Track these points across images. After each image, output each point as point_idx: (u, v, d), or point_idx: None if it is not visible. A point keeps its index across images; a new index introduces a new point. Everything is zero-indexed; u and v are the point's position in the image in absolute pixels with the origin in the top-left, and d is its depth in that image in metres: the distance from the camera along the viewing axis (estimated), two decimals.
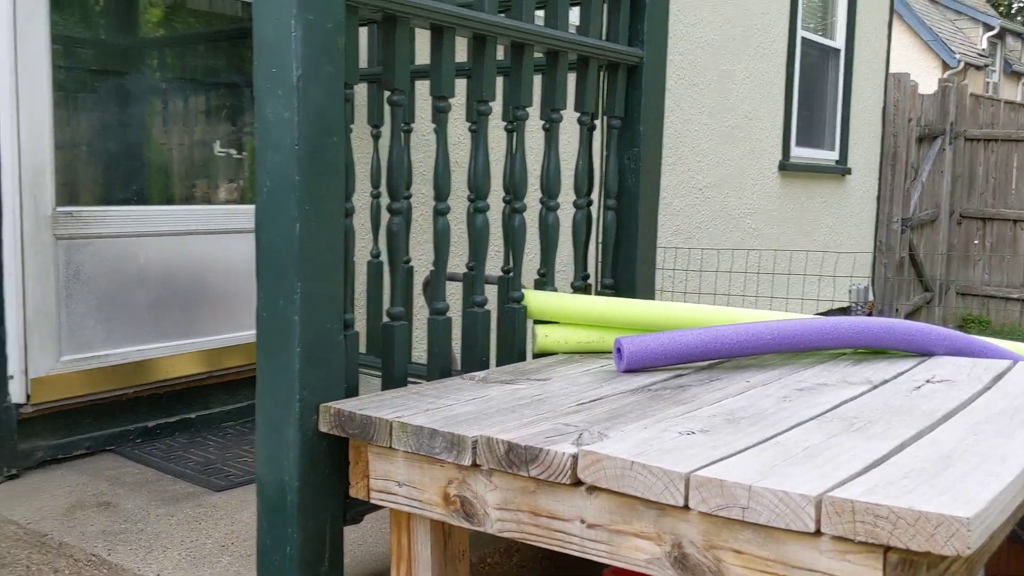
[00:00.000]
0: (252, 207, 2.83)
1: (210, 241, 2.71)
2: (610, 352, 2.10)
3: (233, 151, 2.84)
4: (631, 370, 1.88)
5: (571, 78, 2.19)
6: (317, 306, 1.57)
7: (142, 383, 2.55)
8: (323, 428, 1.57)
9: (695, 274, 5.13)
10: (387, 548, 1.92)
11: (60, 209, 2.36)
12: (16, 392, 2.30)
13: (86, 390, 2.43)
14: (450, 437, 1.42)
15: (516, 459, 1.35)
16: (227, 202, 2.80)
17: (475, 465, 1.42)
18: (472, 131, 1.93)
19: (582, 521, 1.32)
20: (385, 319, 1.79)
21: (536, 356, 2.10)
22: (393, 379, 1.77)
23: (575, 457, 1.30)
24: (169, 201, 2.66)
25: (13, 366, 2.29)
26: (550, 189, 2.11)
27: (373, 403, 1.59)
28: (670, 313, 2.03)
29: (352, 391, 1.66)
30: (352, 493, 1.59)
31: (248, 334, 2.81)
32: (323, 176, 1.55)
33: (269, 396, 1.58)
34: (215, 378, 2.74)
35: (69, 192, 2.41)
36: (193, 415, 2.72)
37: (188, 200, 2.71)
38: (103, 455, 2.50)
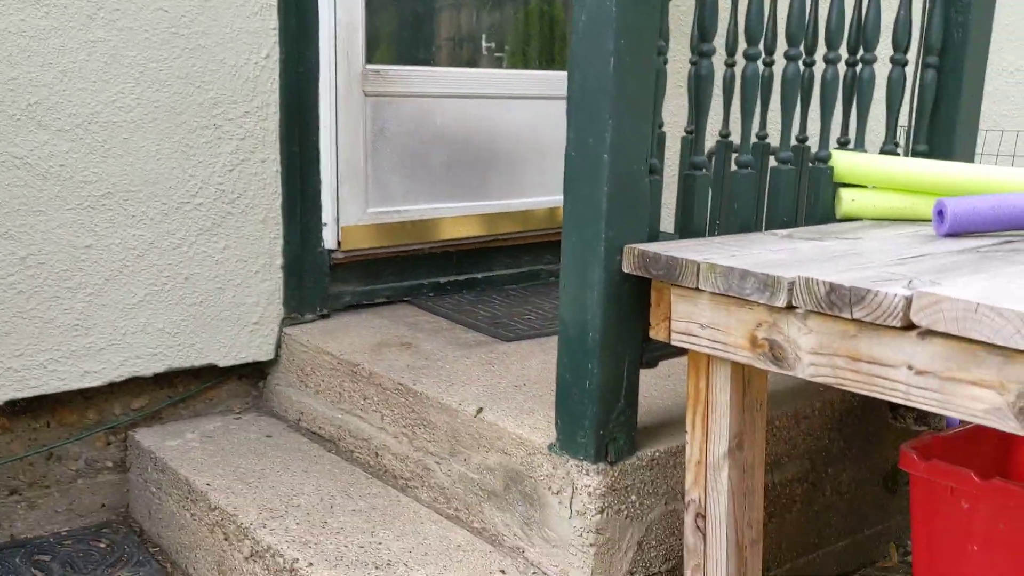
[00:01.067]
0: (543, 73, 2.87)
1: (501, 106, 2.77)
2: (923, 221, 1.95)
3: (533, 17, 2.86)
4: (953, 234, 1.73)
5: None
6: (626, 146, 1.56)
7: (434, 240, 2.69)
8: (626, 269, 1.57)
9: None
10: (671, 403, 1.92)
11: (369, 67, 2.49)
12: (329, 239, 2.49)
13: (386, 242, 2.59)
14: (763, 278, 1.38)
15: (838, 300, 1.29)
16: (514, 66, 2.84)
17: (789, 307, 1.37)
18: None
19: (909, 367, 1.25)
20: (687, 170, 1.75)
21: (839, 222, 1.99)
22: (692, 229, 1.73)
23: (908, 299, 1.22)
24: (468, 64, 2.73)
25: (327, 214, 2.48)
26: (868, 40, 1.96)
27: (676, 247, 1.57)
28: (999, 178, 1.84)
29: (654, 237, 1.64)
30: (652, 335, 1.59)
31: (528, 201, 2.87)
32: (641, 8, 1.52)
33: (575, 236, 1.60)
34: (498, 241, 2.83)
35: (376, 51, 2.53)
36: (479, 275, 2.83)
37: (484, 64, 2.77)
38: (400, 305, 2.68)
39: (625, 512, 1.69)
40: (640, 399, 1.69)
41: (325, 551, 1.77)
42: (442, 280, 2.76)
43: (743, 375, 1.55)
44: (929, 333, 1.21)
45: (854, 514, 2.16)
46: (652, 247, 1.56)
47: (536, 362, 2.19)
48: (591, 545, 1.65)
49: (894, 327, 1.24)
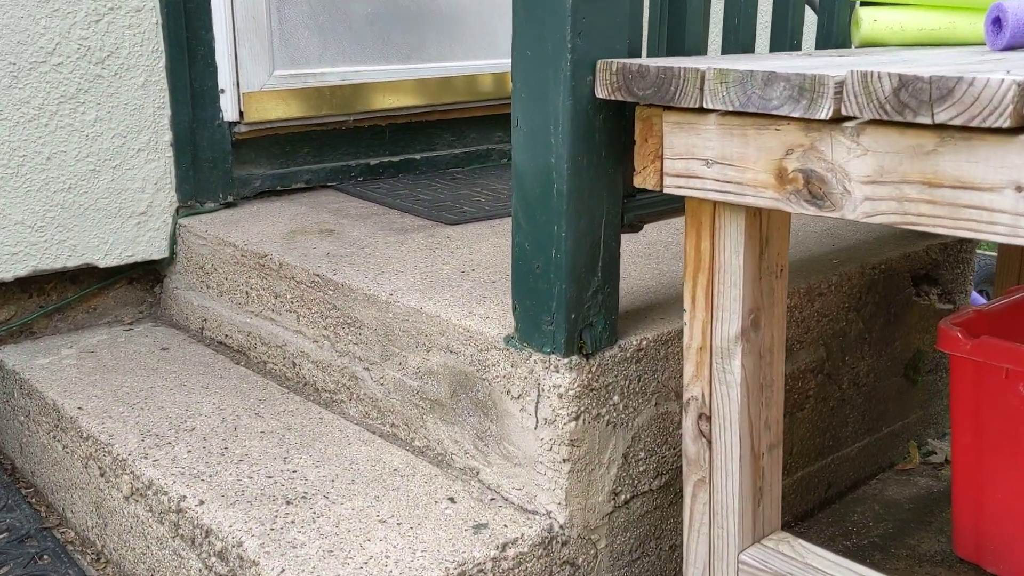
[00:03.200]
0: None
1: None
2: (966, 44, 1.56)
3: None
4: (1015, 46, 1.34)
5: None
6: None
7: (360, 111, 2.24)
8: (601, 94, 1.16)
9: None
10: (656, 283, 1.54)
11: None
12: (228, 109, 2.04)
13: (301, 113, 2.15)
14: (799, 81, 0.98)
15: (912, 100, 0.89)
16: None
17: (835, 121, 0.97)
18: None
19: (1019, 189, 0.87)
20: None
21: (859, 48, 1.59)
22: (681, 47, 1.32)
23: (1021, 85, 0.83)
24: None
25: (224, 78, 2.03)
26: None
27: (667, 60, 1.16)
28: None
29: (635, 51, 1.23)
30: (638, 182, 1.19)
31: (474, 65, 2.43)
32: None
33: (530, 49, 1.18)
34: (438, 113, 2.40)
35: None
36: (417, 156, 2.41)
37: None
38: (323, 191, 2.25)
39: (606, 418, 1.31)
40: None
41: (222, 484, 1.37)
42: (373, 162, 2.33)
43: (761, 228, 1.16)
44: None
45: (872, 411, 1.81)
46: (636, 60, 1.15)
47: (487, 246, 1.78)
48: (564, 461, 1.28)
49: (999, 130, 0.86)
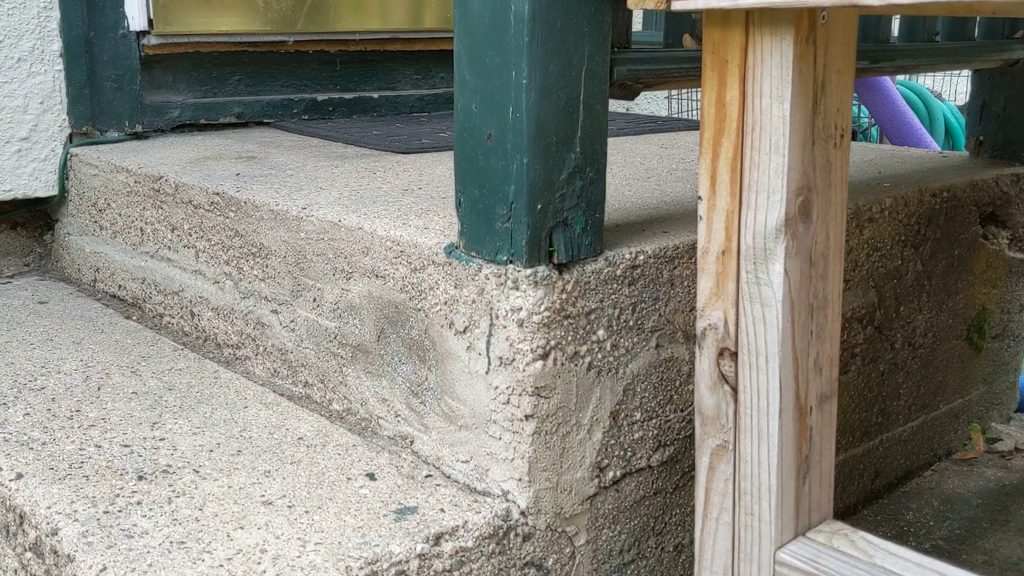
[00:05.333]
0: None
1: None
2: None
3: None
4: None
5: None
6: None
7: (304, 31, 1.88)
8: None
9: None
10: (653, 200, 1.17)
11: None
12: (135, 15, 1.67)
13: (230, 26, 1.78)
14: None
15: None
16: None
17: None
18: None
19: None
20: None
21: None
22: None
23: None
24: None
25: None
26: None
27: None
28: None
29: None
30: (632, 3, 0.82)
31: None
32: None
33: None
34: (400, 42, 2.03)
35: None
36: (374, 94, 2.03)
37: None
38: (260, 128, 1.88)
39: (587, 359, 0.93)
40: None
41: (56, 455, 0.99)
42: (321, 97, 1.96)
43: (816, 62, 0.79)
44: None
45: (929, 381, 1.43)
46: None
47: (443, 169, 1.41)
48: (526, 418, 0.90)
49: None
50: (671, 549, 1.08)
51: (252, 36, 1.81)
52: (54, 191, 1.65)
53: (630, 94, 0.93)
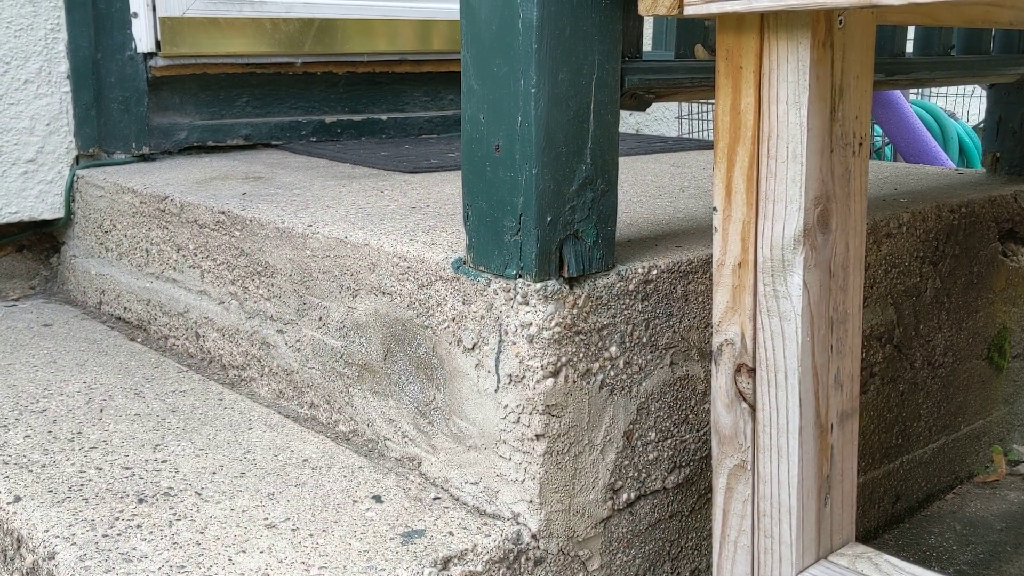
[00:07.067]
0: None
1: None
2: None
3: None
4: None
5: None
6: None
7: (311, 53, 1.87)
8: None
9: None
10: (666, 216, 1.14)
11: None
12: (142, 37, 1.66)
13: (237, 49, 1.77)
14: None
15: None
16: None
17: None
18: None
19: None
20: None
21: None
22: None
23: None
24: None
25: (136, 1, 1.66)
26: None
27: None
28: None
29: None
30: (644, 8, 0.80)
31: (452, 8, 2.06)
32: None
33: None
34: (408, 64, 2.02)
35: None
36: (383, 116, 2.03)
37: None
38: (267, 150, 1.87)
39: (599, 377, 0.91)
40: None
41: (56, 477, 0.97)
42: (329, 119, 1.95)
43: (834, 68, 0.77)
44: None
45: (949, 401, 1.40)
46: None
47: (451, 188, 1.39)
48: (537, 438, 0.87)
49: None
50: (687, 574, 1.05)
51: (260, 58, 1.81)
52: (60, 213, 1.64)
53: (641, 104, 0.91)
